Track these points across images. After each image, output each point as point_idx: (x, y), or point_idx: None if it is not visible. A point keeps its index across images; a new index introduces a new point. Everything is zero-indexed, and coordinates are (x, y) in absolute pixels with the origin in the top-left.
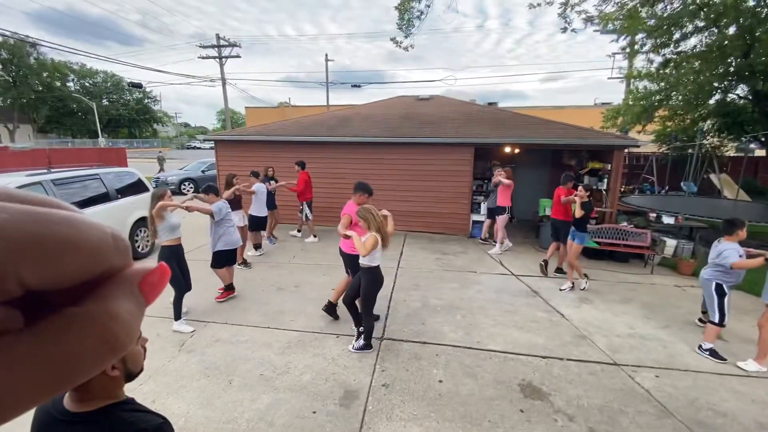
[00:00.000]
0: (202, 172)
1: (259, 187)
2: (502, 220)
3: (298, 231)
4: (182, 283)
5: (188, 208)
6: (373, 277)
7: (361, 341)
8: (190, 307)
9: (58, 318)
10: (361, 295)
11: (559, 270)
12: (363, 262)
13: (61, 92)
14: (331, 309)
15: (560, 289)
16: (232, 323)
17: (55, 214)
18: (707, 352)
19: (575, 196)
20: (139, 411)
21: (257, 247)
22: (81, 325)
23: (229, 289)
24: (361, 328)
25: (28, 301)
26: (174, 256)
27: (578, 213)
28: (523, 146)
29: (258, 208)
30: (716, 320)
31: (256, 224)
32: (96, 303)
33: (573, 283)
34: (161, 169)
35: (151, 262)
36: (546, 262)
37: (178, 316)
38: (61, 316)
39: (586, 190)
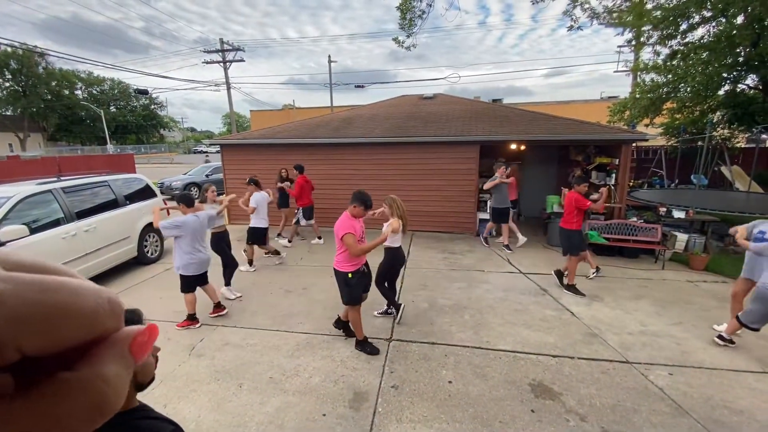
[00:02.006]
0: (206, 176)
1: (260, 198)
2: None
3: (319, 238)
4: (233, 259)
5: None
6: (394, 255)
7: (384, 307)
8: (200, 311)
9: (51, 383)
10: (378, 269)
11: (571, 287)
12: (386, 243)
13: (70, 100)
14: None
15: (588, 278)
16: (242, 327)
17: (55, 281)
18: (720, 339)
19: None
20: (152, 418)
21: (251, 262)
22: (74, 391)
23: (190, 318)
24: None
25: (20, 365)
26: (221, 240)
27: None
28: (528, 143)
29: (259, 219)
30: (759, 328)
31: (255, 236)
32: (89, 367)
33: (597, 267)
34: None
35: (161, 267)
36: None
37: (228, 283)
38: (54, 381)
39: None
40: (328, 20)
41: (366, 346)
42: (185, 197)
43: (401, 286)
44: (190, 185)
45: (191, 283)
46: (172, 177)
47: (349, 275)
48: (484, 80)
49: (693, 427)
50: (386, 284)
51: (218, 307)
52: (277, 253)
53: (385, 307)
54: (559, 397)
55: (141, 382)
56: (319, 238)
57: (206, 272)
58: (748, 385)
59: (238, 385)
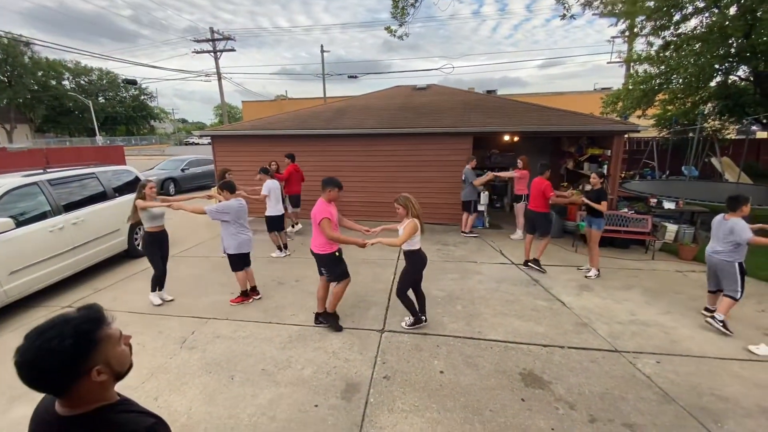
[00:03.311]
0: (182, 171)
1: (272, 185)
2: (520, 207)
3: (293, 225)
4: (160, 264)
5: (171, 206)
6: (416, 259)
7: (410, 318)
8: (191, 303)
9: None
10: (401, 276)
11: (535, 261)
12: (404, 246)
13: (57, 91)
14: (325, 317)
15: (586, 276)
16: (233, 319)
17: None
18: (721, 324)
19: (594, 182)
20: (132, 412)
21: (281, 248)
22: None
23: (244, 295)
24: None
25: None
26: (155, 241)
27: (604, 207)
28: (521, 134)
29: (273, 206)
30: (738, 297)
31: (274, 224)
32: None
33: (599, 271)
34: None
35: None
36: (527, 261)
37: (153, 289)
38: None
39: (600, 177)
40: (320, 9)
41: (333, 321)
42: (227, 184)
43: (394, 277)
44: (168, 180)
45: (239, 261)
46: (147, 172)
47: (336, 253)
48: (478, 71)
49: (679, 413)
50: (413, 290)
51: (254, 290)
52: (284, 247)
53: (415, 317)
54: (549, 386)
55: (118, 372)
56: (296, 224)
57: (249, 254)
58: (734, 372)
59: (229, 378)
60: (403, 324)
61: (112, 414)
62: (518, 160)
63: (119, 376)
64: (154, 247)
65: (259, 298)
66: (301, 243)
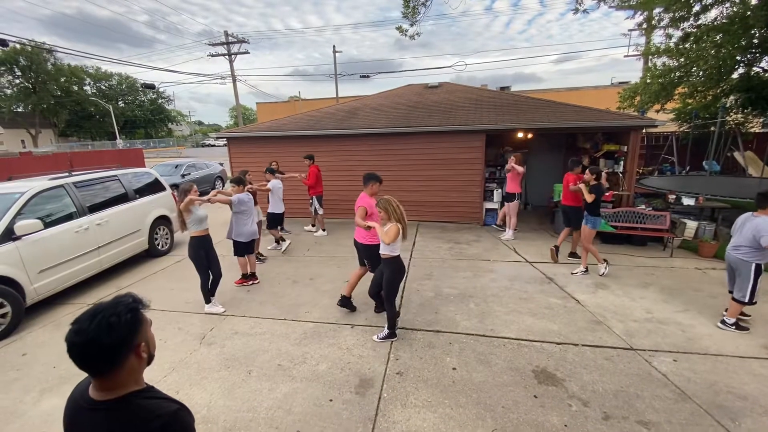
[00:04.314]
0: (183, 176)
1: (275, 184)
2: (513, 207)
3: (312, 225)
4: (207, 270)
5: (210, 201)
6: (396, 267)
7: (386, 330)
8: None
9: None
10: (384, 286)
11: (573, 254)
12: (384, 252)
13: (79, 96)
14: (346, 302)
15: (572, 273)
16: (250, 316)
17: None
18: (733, 327)
19: (581, 182)
20: (157, 398)
21: (278, 240)
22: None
23: (245, 277)
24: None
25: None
26: (202, 245)
27: (588, 198)
28: (535, 131)
29: (275, 204)
30: (746, 300)
31: (274, 221)
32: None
33: (587, 268)
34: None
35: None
36: (557, 247)
37: (207, 300)
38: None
39: (593, 173)
40: (332, 9)
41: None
42: (236, 179)
43: (406, 275)
44: (172, 187)
45: (242, 248)
46: None
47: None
48: (492, 68)
49: (695, 411)
50: (380, 291)
51: (253, 276)
52: (281, 240)
53: (391, 330)
54: (562, 383)
55: (151, 353)
56: (323, 230)
57: (254, 242)
58: (753, 370)
59: (247, 372)
60: (375, 338)
61: (141, 399)
62: (512, 156)
63: (150, 358)
64: (201, 251)
65: (258, 282)
66: (314, 242)
